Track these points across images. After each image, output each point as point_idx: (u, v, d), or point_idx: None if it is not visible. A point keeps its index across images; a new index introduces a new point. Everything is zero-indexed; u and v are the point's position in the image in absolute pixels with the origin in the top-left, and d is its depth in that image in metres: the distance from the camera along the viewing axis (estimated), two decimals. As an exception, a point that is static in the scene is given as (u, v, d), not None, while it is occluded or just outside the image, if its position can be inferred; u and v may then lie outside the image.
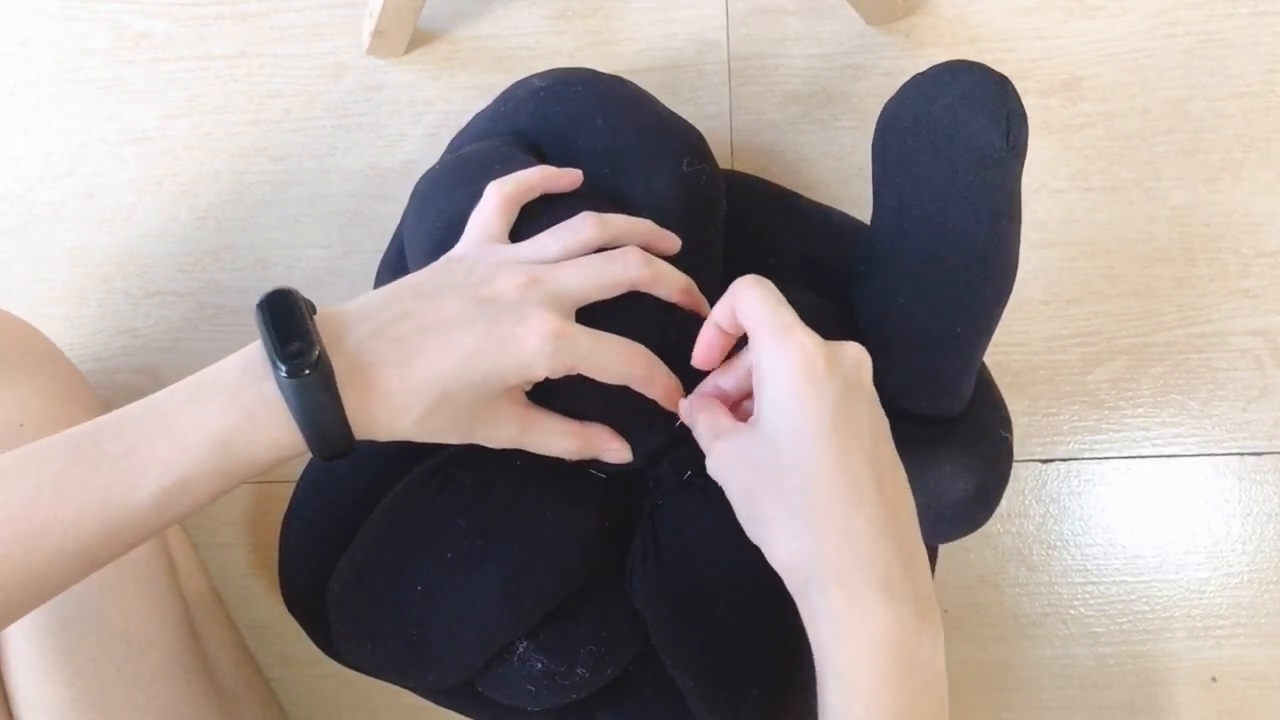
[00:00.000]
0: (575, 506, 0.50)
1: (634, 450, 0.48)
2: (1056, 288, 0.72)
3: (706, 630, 0.49)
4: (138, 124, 0.75)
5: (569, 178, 0.49)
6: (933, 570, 0.60)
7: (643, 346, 0.45)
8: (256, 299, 0.41)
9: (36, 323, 0.63)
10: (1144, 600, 0.72)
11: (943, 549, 0.61)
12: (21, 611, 0.39)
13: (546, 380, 0.45)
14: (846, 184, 0.73)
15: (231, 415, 0.39)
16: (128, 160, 0.75)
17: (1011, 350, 0.72)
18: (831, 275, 0.56)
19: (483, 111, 0.58)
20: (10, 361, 0.57)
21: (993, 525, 0.72)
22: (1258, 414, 0.72)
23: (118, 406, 0.69)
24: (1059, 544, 0.72)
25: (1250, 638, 0.72)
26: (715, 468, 0.44)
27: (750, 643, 0.47)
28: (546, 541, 0.49)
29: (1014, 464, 0.54)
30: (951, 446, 0.50)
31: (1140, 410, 0.72)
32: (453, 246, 0.47)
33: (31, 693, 0.54)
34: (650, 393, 0.46)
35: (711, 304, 0.51)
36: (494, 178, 0.48)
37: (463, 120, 0.60)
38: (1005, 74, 0.46)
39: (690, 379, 0.47)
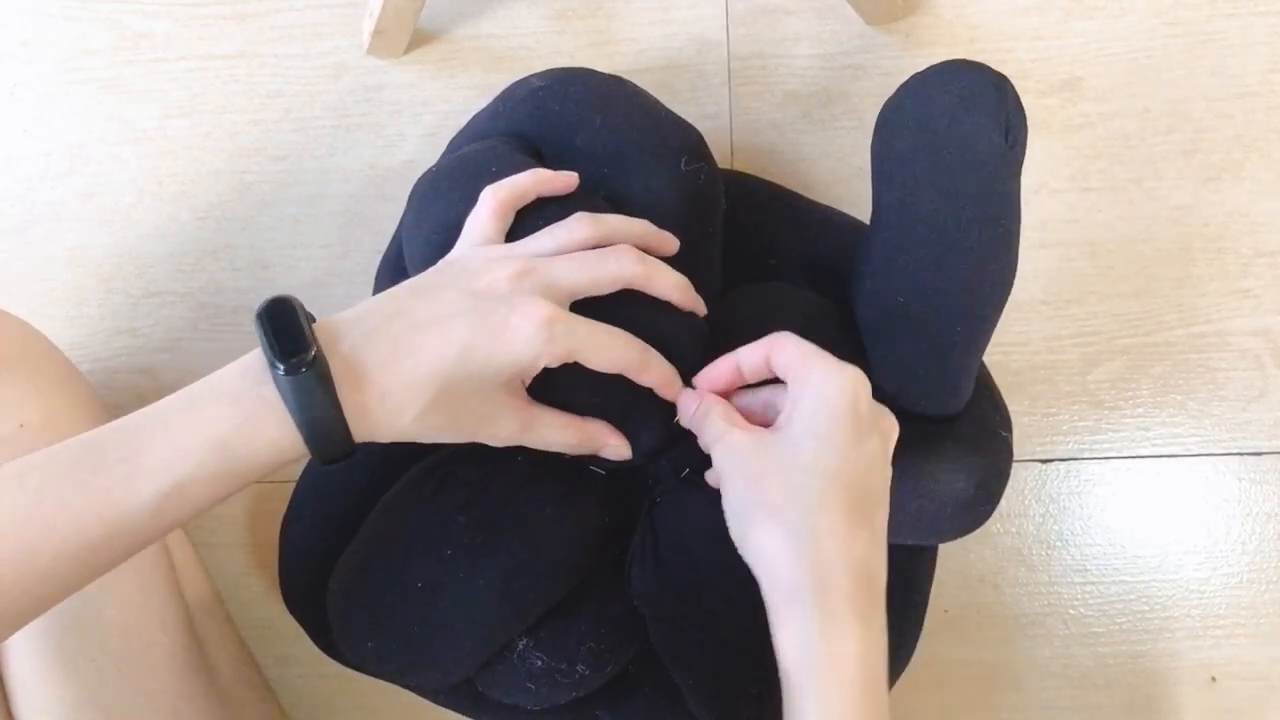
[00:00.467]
0: (575, 503, 0.50)
1: (633, 447, 0.48)
2: (1056, 288, 0.72)
3: (704, 628, 0.49)
4: (138, 124, 0.75)
5: (564, 180, 0.49)
6: (933, 570, 0.60)
7: (636, 337, 0.45)
8: (256, 306, 0.41)
9: (36, 323, 0.63)
10: (1144, 600, 0.72)
11: (943, 549, 0.61)
12: (23, 619, 0.40)
13: (545, 375, 0.45)
14: (846, 184, 0.73)
15: (231, 417, 0.40)
16: (128, 160, 0.75)
17: (1011, 350, 0.72)
18: (831, 275, 0.56)
19: (482, 111, 0.58)
20: (9, 362, 0.57)
21: (992, 525, 0.72)
22: (1258, 414, 0.72)
23: (118, 406, 0.68)
24: (1059, 544, 0.72)
25: (1250, 638, 0.72)
26: (725, 453, 0.44)
27: (748, 640, 0.47)
28: (547, 538, 0.49)
29: (1014, 464, 0.54)
30: (951, 446, 0.50)
31: (1140, 410, 0.72)
32: (450, 251, 0.47)
33: (32, 693, 0.54)
34: (646, 381, 0.46)
35: (709, 303, 0.51)
36: (491, 180, 0.48)
37: (462, 120, 0.60)
38: (1005, 74, 0.46)
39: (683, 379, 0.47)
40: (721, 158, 0.69)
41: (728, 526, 0.43)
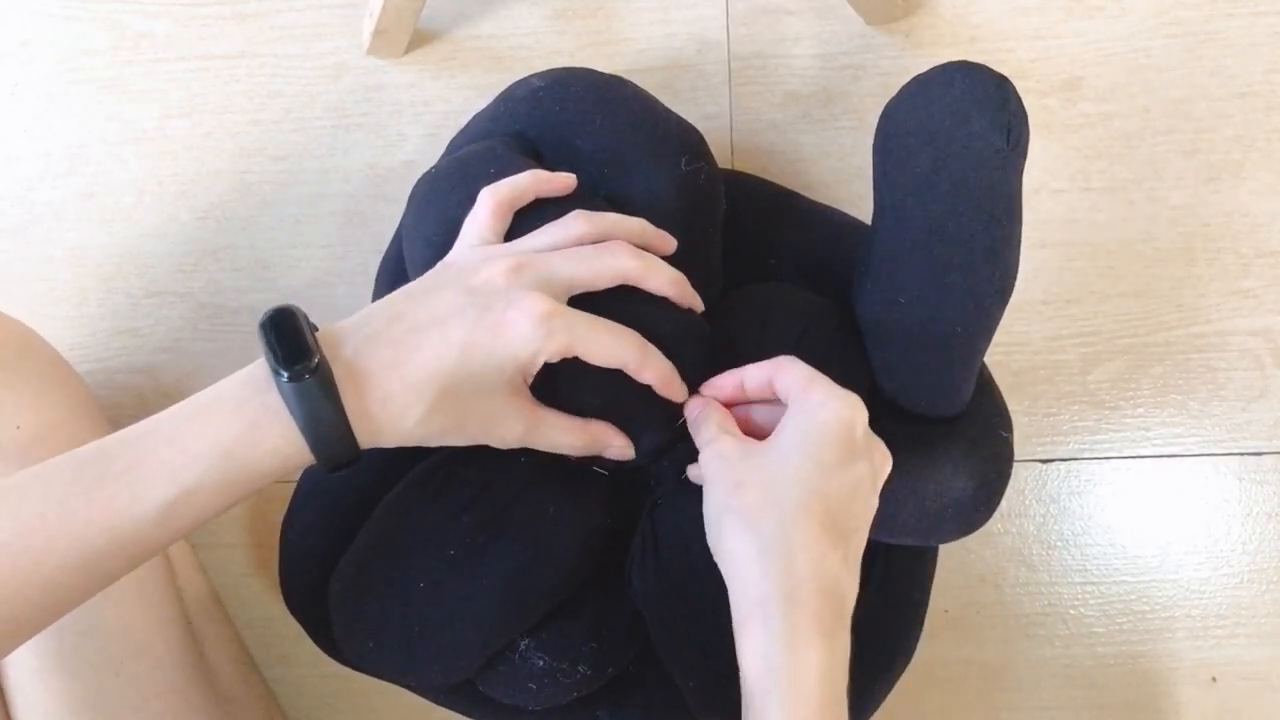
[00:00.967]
0: (578, 503, 0.50)
1: (636, 448, 0.49)
2: (1056, 288, 0.72)
3: (704, 628, 0.49)
4: (138, 124, 0.75)
5: (562, 181, 0.49)
6: (933, 571, 0.60)
7: (635, 331, 0.45)
8: (259, 316, 0.41)
9: (37, 323, 0.63)
10: (1144, 600, 0.72)
11: (943, 549, 0.61)
12: (28, 632, 0.40)
13: (547, 376, 0.45)
14: (847, 184, 0.73)
15: (234, 425, 0.40)
16: (128, 160, 0.75)
17: (1011, 350, 0.72)
18: (831, 275, 0.56)
19: (482, 112, 0.58)
20: (7, 364, 0.57)
21: (993, 525, 0.72)
22: (1258, 414, 0.72)
23: (118, 406, 0.68)
24: (1059, 544, 0.72)
25: (1250, 638, 0.72)
26: (712, 457, 0.44)
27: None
28: (550, 538, 0.49)
29: (1014, 464, 0.54)
30: (952, 446, 0.50)
31: (1140, 410, 0.72)
32: (449, 252, 0.47)
33: (30, 694, 0.54)
34: (645, 377, 0.46)
35: (709, 303, 0.51)
36: (490, 181, 0.48)
37: (463, 120, 0.60)
38: (1005, 74, 0.46)
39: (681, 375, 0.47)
40: (721, 158, 0.69)
41: (705, 530, 0.44)
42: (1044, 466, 0.72)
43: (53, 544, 0.38)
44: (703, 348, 0.49)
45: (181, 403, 0.41)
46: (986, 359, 0.54)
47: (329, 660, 0.55)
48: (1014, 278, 0.49)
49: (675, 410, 0.48)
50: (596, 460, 0.50)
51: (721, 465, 0.44)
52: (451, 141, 0.60)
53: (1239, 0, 0.71)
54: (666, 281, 0.47)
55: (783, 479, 0.42)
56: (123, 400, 0.74)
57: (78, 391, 0.61)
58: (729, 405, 0.48)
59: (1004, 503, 0.53)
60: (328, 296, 0.74)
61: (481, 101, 0.60)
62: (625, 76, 0.56)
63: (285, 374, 0.39)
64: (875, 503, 0.44)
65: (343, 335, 0.42)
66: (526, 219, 0.48)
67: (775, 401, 0.47)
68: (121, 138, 0.75)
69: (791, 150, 0.73)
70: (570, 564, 0.49)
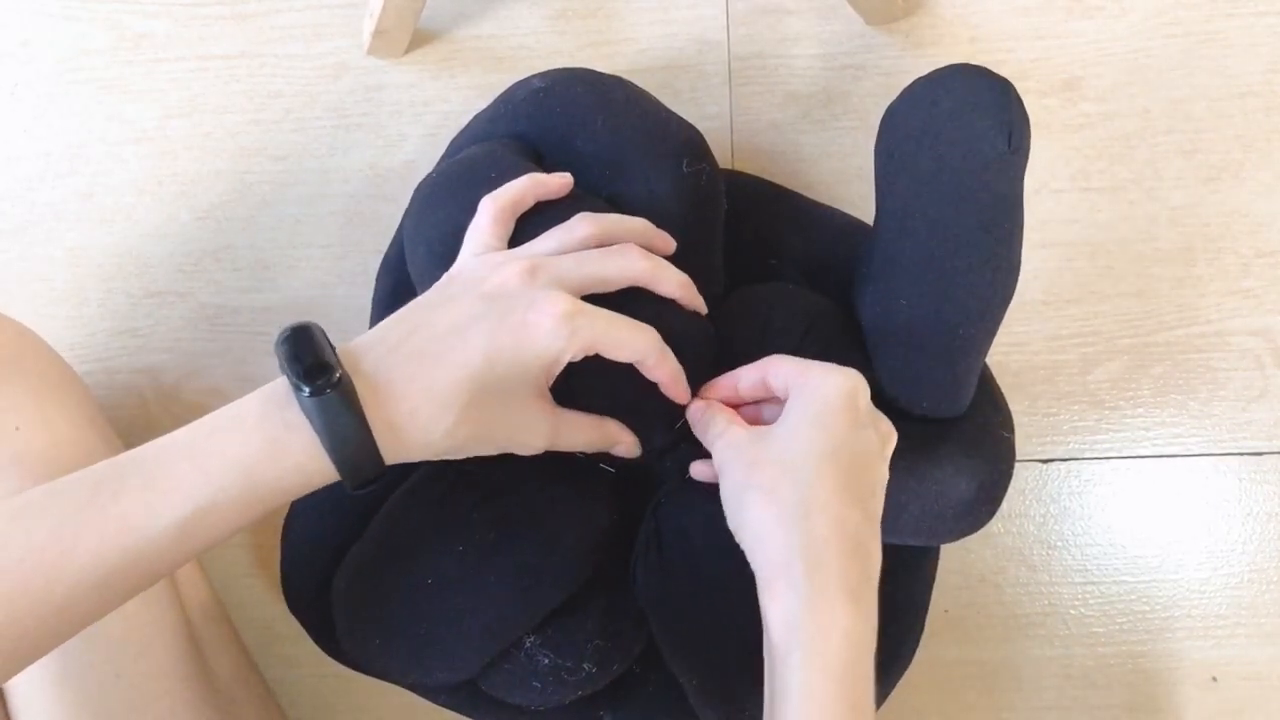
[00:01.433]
0: (585, 500, 0.50)
1: (643, 445, 0.49)
2: (1056, 288, 0.72)
3: (707, 626, 0.49)
4: (138, 124, 0.75)
5: (559, 182, 0.49)
6: (934, 571, 0.60)
7: (652, 328, 0.45)
8: (276, 334, 0.41)
9: (37, 323, 0.63)
10: (1144, 600, 0.72)
11: (943, 549, 0.61)
12: (42, 650, 0.39)
13: (564, 376, 0.45)
14: (847, 184, 0.73)
15: (254, 442, 0.39)
16: (128, 160, 0.75)
17: (1011, 350, 0.72)
18: (833, 276, 0.56)
19: (482, 113, 0.58)
20: (6, 365, 0.57)
21: (993, 525, 0.72)
22: (1258, 414, 0.72)
23: (118, 406, 0.68)
24: (1059, 544, 0.72)
25: (1251, 637, 0.72)
26: (724, 447, 0.45)
27: (751, 640, 0.47)
28: (559, 534, 0.49)
29: (1014, 464, 0.54)
30: (953, 446, 0.51)
31: (1140, 410, 0.72)
32: (453, 259, 0.47)
33: (30, 697, 0.54)
34: (659, 374, 0.46)
35: (711, 303, 0.51)
36: (490, 186, 0.48)
37: (463, 120, 0.60)
38: (1005, 75, 0.46)
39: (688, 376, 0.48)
40: (722, 158, 0.69)
41: (725, 515, 0.44)
42: (1044, 466, 0.72)
43: (67, 561, 0.37)
44: (708, 349, 0.49)
45: (199, 420, 0.41)
46: (987, 359, 0.54)
47: (330, 661, 0.55)
48: (1015, 279, 0.49)
49: (678, 410, 0.48)
50: (603, 458, 0.50)
51: (734, 452, 0.44)
52: (452, 142, 0.60)
53: (1239, 0, 0.71)
54: (675, 284, 0.47)
55: (796, 450, 0.42)
56: (123, 400, 0.74)
57: (78, 393, 0.61)
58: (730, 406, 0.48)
59: (1004, 503, 0.53)
60: (328, 296, 0.74)
61: (482, 102, 0.60)
62: (625, 77, 0.56)
63: (306, 389, 0.39)
64: (886, 472, 0.45)
65: (361, 351, 0.42)
66: (529, 223, 0.48)
67: (774, 400, 0.47)
68: (121, 138, 0.75)
69: (792, 150, 0.73)
70: (577, 560, 0.49)
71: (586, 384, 0.46)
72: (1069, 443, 0.72)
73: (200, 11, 0.74)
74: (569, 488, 0.50)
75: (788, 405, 0.44)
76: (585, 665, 0.50)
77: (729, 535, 0.44)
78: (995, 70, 0.46)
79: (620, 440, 0.48)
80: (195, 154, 0.74)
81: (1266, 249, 0.71)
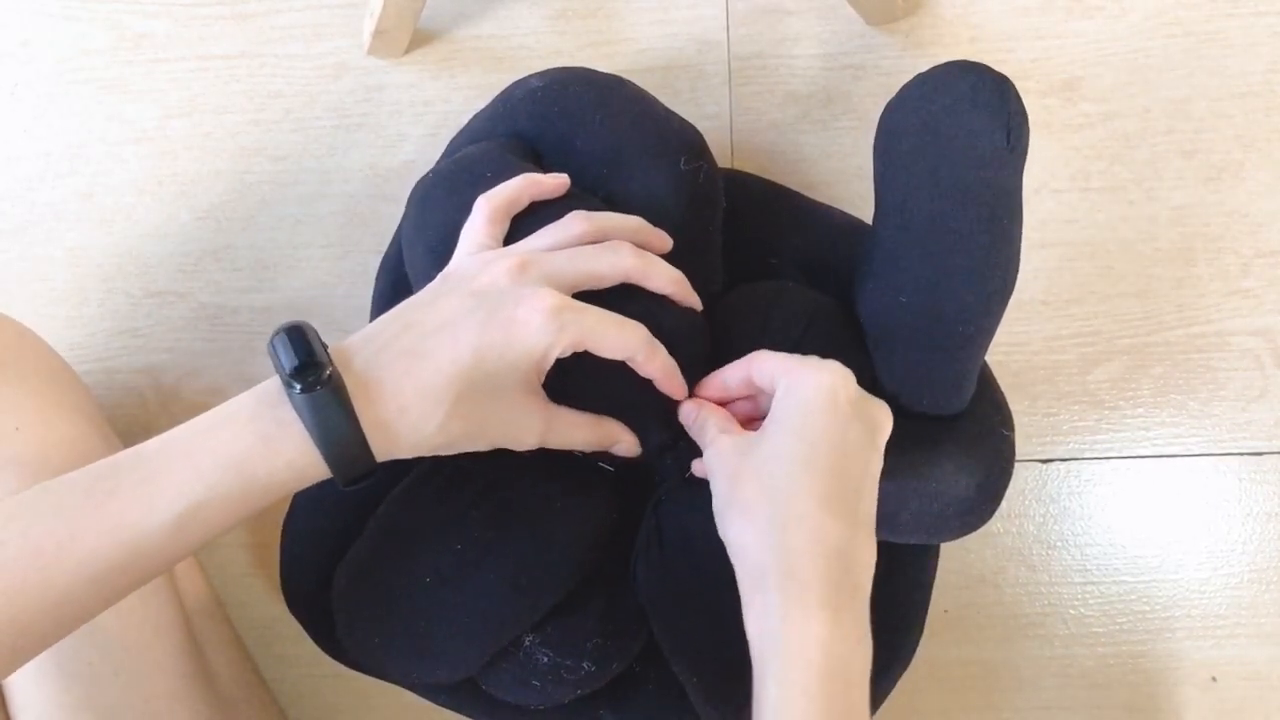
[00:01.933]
0: (584, 497, 0.50)
1: (640, 443, 0.49)
2: (1056, 288, 0.72)
3: (708, 624, 0.49)
4: (138, 124, 0.75)
5: (555, 182, 0.49)
6: (934, 571, 0.60)
7: (642, 324, 0.46)
8: (270, 334, 0.42)
9: (37, 323, 0.63)
10: (1144, 600, 0.72)
11: (943, 549, 0.61)
12: (39, 646, 0.39)
13: (554, 375, 0.45)
14: (847, 184, 0.73)
15: (247, 439, 0.40)
16: (128, 160, 0.75)
17: (1011, 350, 0.72)
18: (832, 275, 0.56)
19: (481, 112, 0.59)
20: (6, 365, 0.57)
21: (993, 525, 0.72)
22: (1258, 414, 0.72)
23: (118, 406, 0.68)
24: (1059, 544, 0.72)
25: (1251, 638, 0.72)
26: (713, 456, 0.45)
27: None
28: (557, 531, 0.49)
29: (1014, 463, 0.54)
30: (953, 445, 0.51)
31: (1140, 410, 0.72)
32: (450, 258, 0.47)
33: (29, 696, 0.54)
34: (651, 371, 0.46)
35: (710, 302, 0.51)
36: (487, 185, 0.49)
37: (463, 120, 0.60)
38: (1005, 74, 0.46)
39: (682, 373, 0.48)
40: (721, 158, 0.69)
41: (716, 525, 0.44)
42: (1044, 466, 0.72)
43: (64, 558, 0.38)
44: (702, 345, 0.49)
45: (195, 418, 0.41)
46: (987, 359, 0.54)
47: (329, 661, 0.55)
48: (1014, 277, 0.49)
49: (675, 407, 0.48)
50: (602, 457, 0.50)
51: (720, 463, 0.45)
52: (451, 142, 0.60)
53: (1239, 0, 0.71)
54: (667, 280, 0.47)
55: (773, 462, 0.42)
56: (123, 400, 0.74)
57: (78, 393, 0.61)
58: (723, 404, 0.48)
59: (1004, 503, 0.53)
60: (328, 296, 0.74)
61: (481, 101, 0.60)
62: (625, 76, 0.56)
63: (297, 386, 0.39)
64: (878, 461, 0.44)
65: (353, 349, 0.42)
66: (525, 222, 0.48)
67: (760, 396, 0.47)
68: (121, 138, 0.75)
69: (792, 150, 0.73)
70: (576, 558, 0.49)
71: (580, 381, 0.46)
72: (1069, 443, 0.72)
73: (200, 11, 0.74)
74: (568, 485, 0.50)
75: (771, 408, 0.44)
76: (585, 664, 0.50)
77: None
78: (995, 69, 0.46)
79: (619, 439, 0.48)
80: (195, 154, 0.74)
81: (1266, 249, 0.71)
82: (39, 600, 0.38)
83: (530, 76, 0.56)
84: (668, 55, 0.73)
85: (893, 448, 0.46)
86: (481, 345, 0.41)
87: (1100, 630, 0.72)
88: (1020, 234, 0.48)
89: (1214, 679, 0.72)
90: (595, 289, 0.46)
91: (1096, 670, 0.72)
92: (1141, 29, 0.72)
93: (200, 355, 0.74)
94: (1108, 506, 0.72)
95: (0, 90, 0.75)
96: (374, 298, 0.61)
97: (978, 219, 0.46)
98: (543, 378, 0.45)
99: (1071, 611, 0.72)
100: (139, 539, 0.39)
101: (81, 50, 0.75)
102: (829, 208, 0.62)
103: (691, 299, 0.49)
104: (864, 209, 0.55)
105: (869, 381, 0.52)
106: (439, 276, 0.46)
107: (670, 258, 0.49)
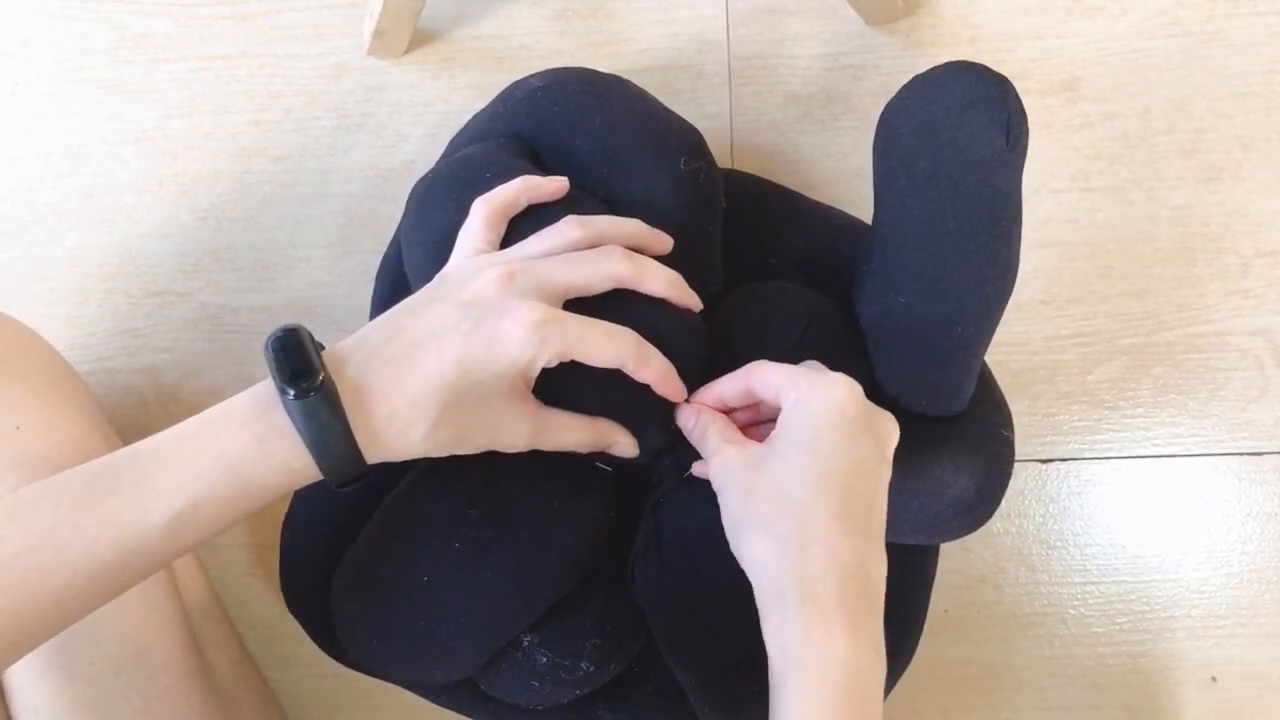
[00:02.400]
0: (582, 496, 0.50)
1: (640, 446, 0.49)
2: (1056, 288, 0.72)
3: (707, 626, 0.49)
4: (138, 124, 0.75)
5: (553, 186, 0.49)
6: (934, 570, 0.60)
7: (632, 331, 0.45)
8: (267, 337, 0.42)
9: (37, 323, 0.63)
10: (1144, 600, 0.72)
11: (943, 549, 0.61)
12: (35, 643, 0.40)
13: (547, 382, 0.45)
14: (847, 184, 0.73)
15: (242, 441, 0.40)
16: (128, 160, 0.75)
17: (1011, 350, 0.72)
18: (832, 275, 0.56)
19: (481, 112, 0.59)
20: (7, 364, 0.57)
21: (993, 525, 0.72)
22: (1258, 414, 0.72)
23: (118, 406, 0.68)
24: (1059, 544, 0.72)
25: (1251, 638, 0.72)
26: (719, 469, 0.45)
27: (750, 639, 0.47)
28: (554, 531, 0.49)
29: (1014, 464, 0.54)
30: (952, 445, 0.51)
31: (1140, 410, 0.72)
32: (448, 259, 0.48)
33: (30, 694, 0.54)
34: (645, 377, 0.46)
35: (710, 302, 0.51)
36: (486, 186, 0.49)
37: (463, 120, 0.60)
38: (1005, 74, 0.46)
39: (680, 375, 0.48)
40: (721, 158, 0.69)
41: (729, 541, 0.44)
42: (1044, 466, 0.72)
43: (62, 556, 0.39)
44: (701, 347, 0.49)
45: (190, 419, 0.42)
46: (987, 359, 0.54)
47: (329, 660, 0.55)
48: (1014, 277, 0.49)
49: (674, 410, 0.48)
50: (600, 457, 0.50)
51: (729, 476, 0.44)
52: (451, 142, 0.60)
53: (1239, 0, 0.71)
54: (662, 283, 0.47)
55: (788, 479, 0.42)
56: (123, 400, 0.74)
57: (79, 392, 0.61)
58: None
59: (1004, 503, 0.53)
60: (328, 296, 0.74)
61: (481, 101, 0.60)
62: (625, 76, 0.56)
63: (291, 391, 0.40)
64: (887, 472, 0.45)
65: (345, 353, 0.43)
66: (523, 224, 0.48)
67: (761, 405, 0.47)
68: (121, 138, 0.75)
69: (792, 150, 0.73)
70: (575, 557, 0.49)
71: (575, 385, 0.46)
72: (1069, 443, 0.72)
73: (200, 11, 0.75)
74: (565, 485, 0.50)
75: (780, 422, 0.44)
76: (583, 664, 0.50)
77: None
78: (995, 70, 0.46)
79: (615, 440, 0.48)
80: (195, 154, 0.75)
81: (1266, 249, 0.71)
82: (35, 597, 0.38)
83: (530, 77, 0.56)
84: (668, 55, 0.73)
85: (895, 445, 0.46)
86: (465, 357, 0.42)
87: (1100, 630, 0.72)
88: (1020, 234, 0.48)
89: (1214, 679, 0.72)
90: (587, 296, 0.46)
91: (1096, 670, 0.72)
92: (1141, 29, 0.72)
93: (200, 355, 0.74)
94: (1108, 506, 0.72)
95: (0, 90, 0.75)
96: (374, 298, 0.61)
97: (977, 219, 0.46)
98: (530, 386, 0.45)
99: (1071, 611, 0.72)
100: (135, 538, 0.39)
101: (81, 50, 0.75)
102: (829, 208, 0.62)
103: (689, 300, 0.49)
104: (864, 209, 0.55)
105: (868, 382, 0.52)
106: (436, 278, 0.46)
107: (670, 258, 0.49)
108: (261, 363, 0.42)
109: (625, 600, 0.52)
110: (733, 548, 0.44)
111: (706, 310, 0.51)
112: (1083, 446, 0.72)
